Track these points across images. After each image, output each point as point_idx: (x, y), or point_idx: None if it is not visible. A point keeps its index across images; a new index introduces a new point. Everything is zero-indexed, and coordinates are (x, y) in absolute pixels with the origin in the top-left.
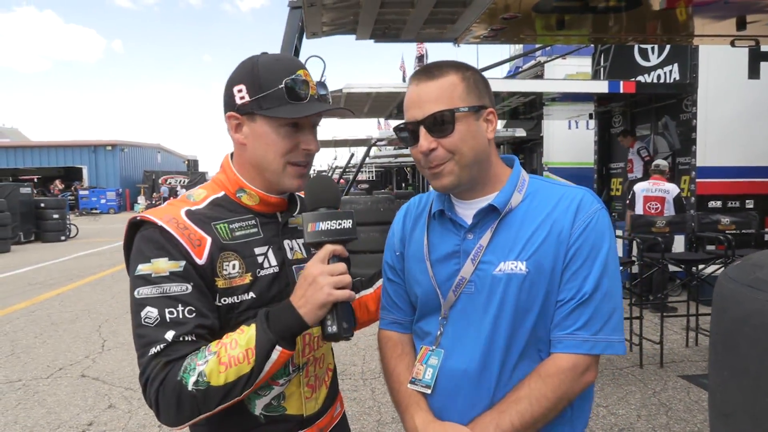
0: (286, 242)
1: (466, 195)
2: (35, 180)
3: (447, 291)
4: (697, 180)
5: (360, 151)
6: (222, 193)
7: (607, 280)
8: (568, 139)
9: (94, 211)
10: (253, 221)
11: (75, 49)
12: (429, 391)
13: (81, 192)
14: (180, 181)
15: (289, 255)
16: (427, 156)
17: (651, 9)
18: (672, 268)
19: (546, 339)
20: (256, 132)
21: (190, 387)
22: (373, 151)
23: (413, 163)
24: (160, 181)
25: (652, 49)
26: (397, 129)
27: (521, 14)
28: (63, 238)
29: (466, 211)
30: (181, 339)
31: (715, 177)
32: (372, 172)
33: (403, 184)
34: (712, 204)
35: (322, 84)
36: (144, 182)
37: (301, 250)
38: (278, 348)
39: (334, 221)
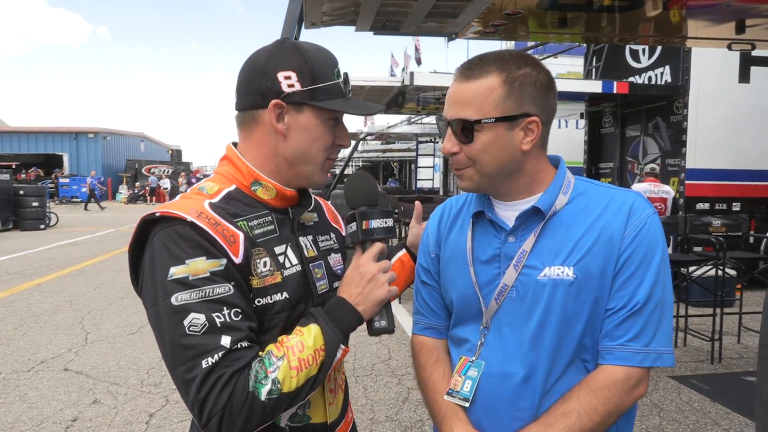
0: (301, 239)
1: (506, 196)
2: (13, 167)
3: (487, 296)
4: (686, 182)
5: None
6: (233, 187)
7: (660, 289)
8: (557, 138)
9: (74, 200)
10: (270, 218)
11: (59, 34)
12: (467, 405)
13: (61, 180)
14: (164, 171)
15: (305, 252)
16: (450, 157)
17: (654, 10)
18: None
19: (592, 348)
20: (300, 123)
21: (263, 397)
22: (361, 145)
23: (400, 158)
24: (144, 170)
25: (643, 50)
26: (437, 119)
27: (524, 10)
28: (42, 226)
29: (507, 212)
30: (238, 345)
31: (704, 179)
32: (359, 166)
33: (390, 179)
34: (700, 206)
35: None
36: (127, 171)
37: (312, 247)
38: (342, 346)
39: (382, 220)
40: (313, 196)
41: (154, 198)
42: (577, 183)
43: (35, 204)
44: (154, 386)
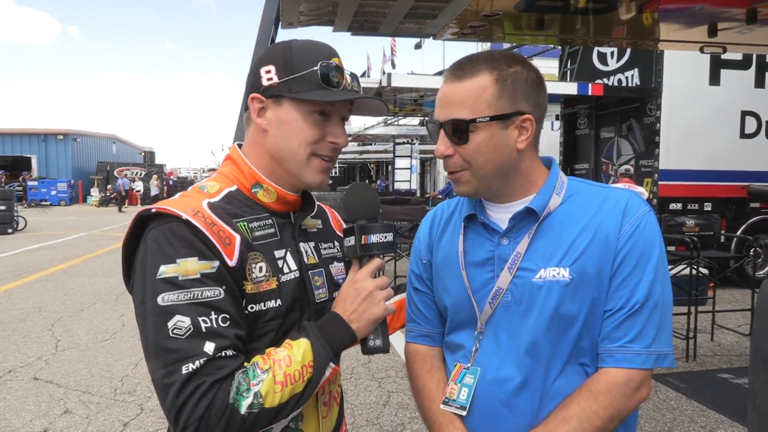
0: (302, 245)
1: (499, 199)
2: None
3: (481, 300)
4: (660, 182)
5: None
6: (235, 187)
7: (659, 288)
8: None
9: (43, 203)
10: (270, 221)
11: (27, 33)
12: (464, 413)
13: (29, 183)
14: (137, 173)
15: (305, 259)
16: (444, 160)
17: (627, 13)
18: None
19: (591, 351)
20: (280, 117)
21: (243, 411)
22: None
23: (377, 160)
24: (115, 172)
25: (611, 53)
26: (426, 121)
27: (502, 12)
28: (10, 230)
29: (500, 214)
30: (222, 354)
31: (677, 180)
32: (336, 167)
33: (367, 181)
34: (672, 206)
35: (354, 75)
36: (98, 173)
37: (313, 254)
38: (331, 364)
39: (382, 234)
40: (317, 203)
41: (126, 201)
42: (570, 183)
43: (2, 207)
44: (128, 394)
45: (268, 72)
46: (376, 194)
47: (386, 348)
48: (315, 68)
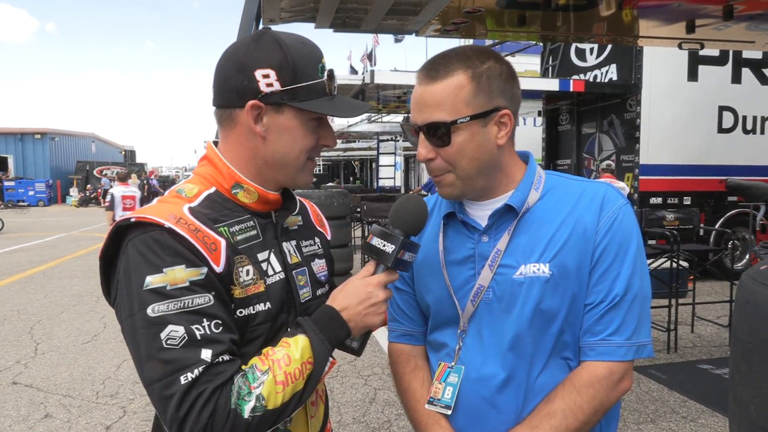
0: (284, 244)
1: (481, 197)
2: None
3: (462, 299)
4: (640, 177)
5: None
6: (213, 189)
7: (637, 280)
8: (515, 135)
9: (21, 204)
10: (252, 222)
11: (3, 30)
12: (449, 412)
13: (6, 183)
14: (117, 172)
15: (288, 259)
16: (427, 164)
17: (607, 10)
18: None
19: (573, 345)
20: (280, 125)
21: (246, 415)
22: None
23: (361, 157)
24: (95, 172)
25: (591, 50)
26: (403, 125)
27: (484, 9)
28: None
29: (479, 212)
30: (220, 359)
31: (657, 174)
32: (319, 165)
33: (351, 178)
34: (653, 200)
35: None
36: (77, 173)
37: (295, 253)
38: (330, 358)
39: (414, 255)
40: (298, 198)
41: (107, 201)
42: (547, 177)
43: None
44: (110, 397)
45: (266, 77)
46: (425, 213)
47: (359, 353)
48: (321, 79)
